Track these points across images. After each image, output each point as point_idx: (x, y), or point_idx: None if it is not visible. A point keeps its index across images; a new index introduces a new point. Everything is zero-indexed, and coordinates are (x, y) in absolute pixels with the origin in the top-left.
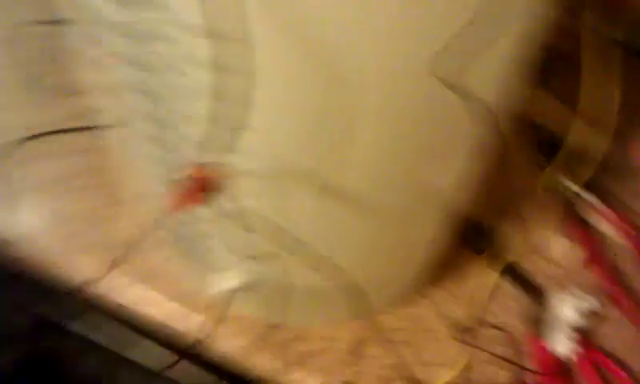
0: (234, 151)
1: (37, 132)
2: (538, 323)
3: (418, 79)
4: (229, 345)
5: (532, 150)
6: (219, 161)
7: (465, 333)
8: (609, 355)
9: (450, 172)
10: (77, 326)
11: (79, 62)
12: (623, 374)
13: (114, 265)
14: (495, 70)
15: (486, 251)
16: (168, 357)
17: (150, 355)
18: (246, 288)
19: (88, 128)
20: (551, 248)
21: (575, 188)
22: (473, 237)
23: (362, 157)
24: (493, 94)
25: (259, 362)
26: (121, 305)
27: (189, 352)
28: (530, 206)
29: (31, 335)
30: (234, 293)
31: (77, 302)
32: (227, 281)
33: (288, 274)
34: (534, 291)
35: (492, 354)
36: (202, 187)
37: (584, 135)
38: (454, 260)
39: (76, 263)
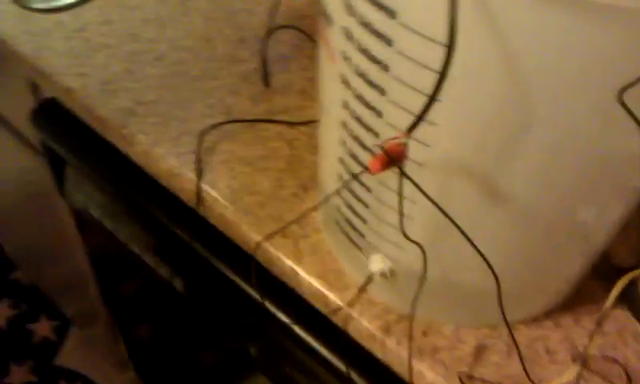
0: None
1: (248, 117)
2: None
3: (602, 108)
4: (360, 326)
5: None
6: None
7: (583, 361)
8: None
9: (603, 206)
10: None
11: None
12: None
13: (271, 235)
14: None
15: (622, 290)
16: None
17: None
18: (390, 274)
19: (288, 122)
20: None
21: None
22: (610, 272)
23: (528, 169)
24: None
25: (385, 347)
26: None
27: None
28: None
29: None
30: (377, 277)
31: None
32: (373, 264)
33: (434, 267)
34: None
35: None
36: (390, 157)
37: None
38: (587, 290)
39: (253, 230)
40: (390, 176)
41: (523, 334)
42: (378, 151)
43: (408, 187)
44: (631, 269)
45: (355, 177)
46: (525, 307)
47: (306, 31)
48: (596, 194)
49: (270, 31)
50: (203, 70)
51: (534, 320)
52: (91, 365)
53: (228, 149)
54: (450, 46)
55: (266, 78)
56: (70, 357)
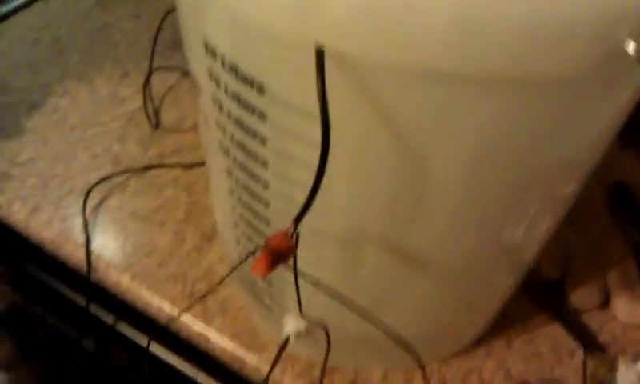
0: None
1: (138, 165)
2: (595, 381)
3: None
4: None
5: (615, 210)
6: (295, 227)
7: None
8: None
9: (524, 231)
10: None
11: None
12: None
13: (190, 305)
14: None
15: (552, 304)
16: None
17: None
18: (306, 333)
19: (182, 165)
20: (620, 307)
21: None
22: (539, 290)
23: (434, 223)
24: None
25: None
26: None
27: None
28: (604, 264)
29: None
30: (294, 335)
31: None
32: (288, 325)
33: (345, 322)
34: (595, 348)
35: None
36: (276, 255)
37: None
38: (517, 311)
39: (154, 295)
40: None
41: (456, 368)
42: (262, 250)
43: (311, 255)
44: (558, 281)
45: (242, 263)
46: (456, 342)
47: None
48: (515, 223)
49: (152, 68)
50: (84, 117)
51: (466, 351)
52: None
53: (118, 204)
54: (326, 123)
55: (154, 117)
56: None
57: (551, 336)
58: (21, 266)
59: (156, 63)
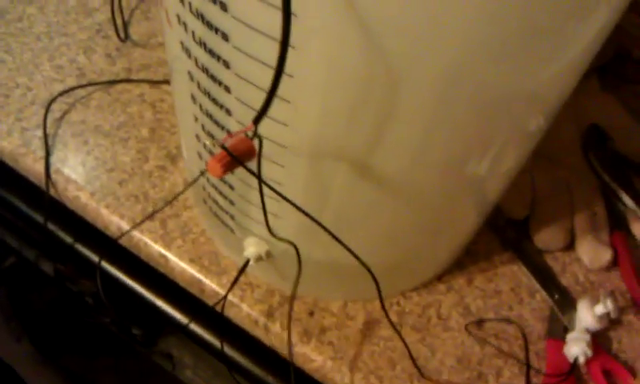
0: (273, 123)
1: (104, 79)
2: (553, 322)
3: (473, 73)
4: (241, 312)
5: (588, 152)
6: (256, 132)
7: (477, 324)
8: (619, 360)
9: (491, 161)
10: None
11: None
12: (632, 380)
13: (144, 219)
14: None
15: (515, 244)
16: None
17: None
18: (267, 256)
19: (149, 81)
20: (584, 250)
21: (626, 199)
22: (504, 228)
23: (403, 140)
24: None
25: (269, 332)
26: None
27: (202, 313)
28: (572, 206)
29: (57, 282)
30: (254, 258)
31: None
32: (248, 248)
33: (309, 247)
34: (555, 289)
35: (498, 349)
36: (234, 157)
37: None
38: (480, 249)
39: (113, 213)
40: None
41: (415, 301)
42: (223, 151)
43: (275, 170)
44: (523, 221)
45: (203, 173)
46: (417, 276)
47: None
48: (477, 164)
49: None
50: (50, 26)
51: (426, 286)
52: None
53: (81, 118)
54: (287, 11)
55: (123, 30)
56: None
57: (513, 275)
58: None
59: None
